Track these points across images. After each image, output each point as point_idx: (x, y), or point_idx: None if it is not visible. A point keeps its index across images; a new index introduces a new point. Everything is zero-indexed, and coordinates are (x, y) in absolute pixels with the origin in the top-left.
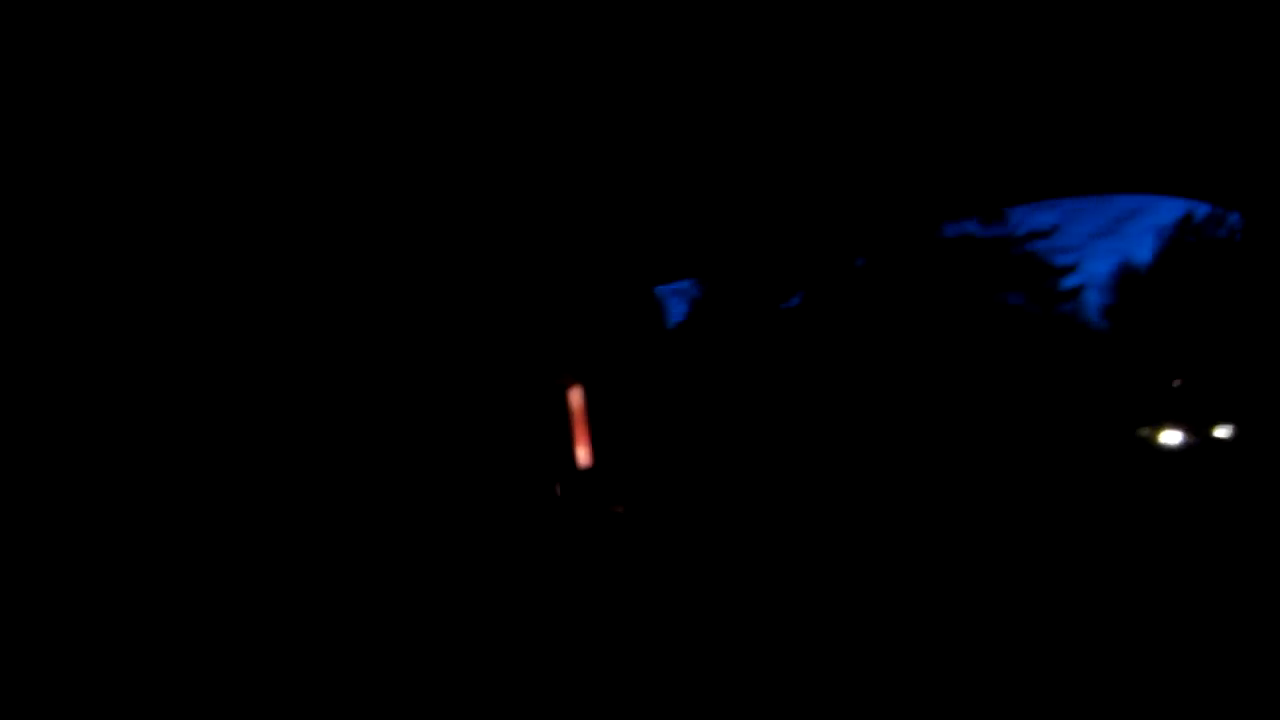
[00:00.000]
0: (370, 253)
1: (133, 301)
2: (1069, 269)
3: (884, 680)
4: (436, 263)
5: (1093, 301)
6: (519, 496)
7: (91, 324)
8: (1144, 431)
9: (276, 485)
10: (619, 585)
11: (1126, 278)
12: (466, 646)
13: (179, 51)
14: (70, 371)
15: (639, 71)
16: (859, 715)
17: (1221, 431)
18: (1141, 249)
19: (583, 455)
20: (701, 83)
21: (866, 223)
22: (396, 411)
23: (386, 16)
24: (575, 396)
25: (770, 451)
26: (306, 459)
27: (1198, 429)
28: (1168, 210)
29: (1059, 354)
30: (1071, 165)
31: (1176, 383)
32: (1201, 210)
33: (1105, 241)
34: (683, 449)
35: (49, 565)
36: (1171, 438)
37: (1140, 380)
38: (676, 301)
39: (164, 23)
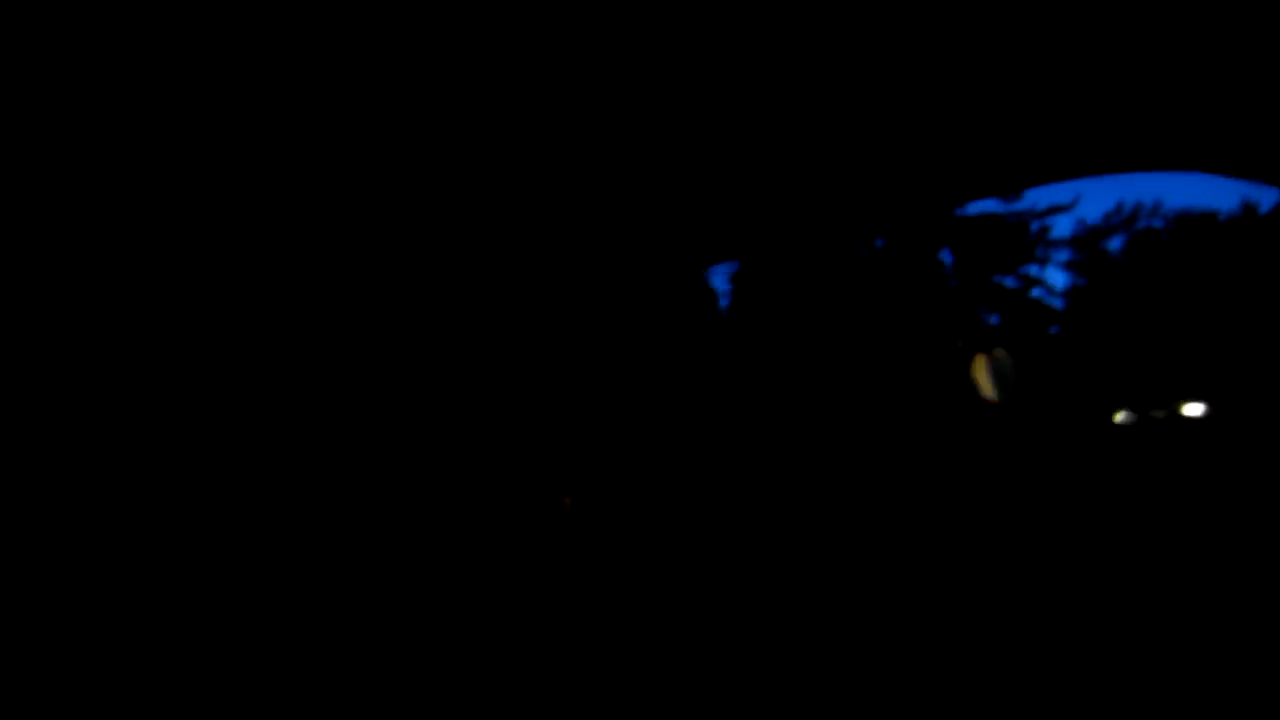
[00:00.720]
0: (375, 252)
1: (132, 302)
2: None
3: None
4: (444, 263)
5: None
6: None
7: (91, 324)
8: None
9: (274, 485)
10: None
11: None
12: (454, 644)
13: (179, 51)
14: (70, 372)
15: (639, 62)
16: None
17: (1191, 409)
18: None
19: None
20: (705, 73)
21: (885, 204)
22: (386, 410)
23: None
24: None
25: (791, 432)
26: (302, 460)
27: (1162, 407)
28: (1190, 188)
29: (1099, 325)
30: (1087, 144)
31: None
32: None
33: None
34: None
35: (49, 565)
36: (1127, 417)
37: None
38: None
39: (164, 22)
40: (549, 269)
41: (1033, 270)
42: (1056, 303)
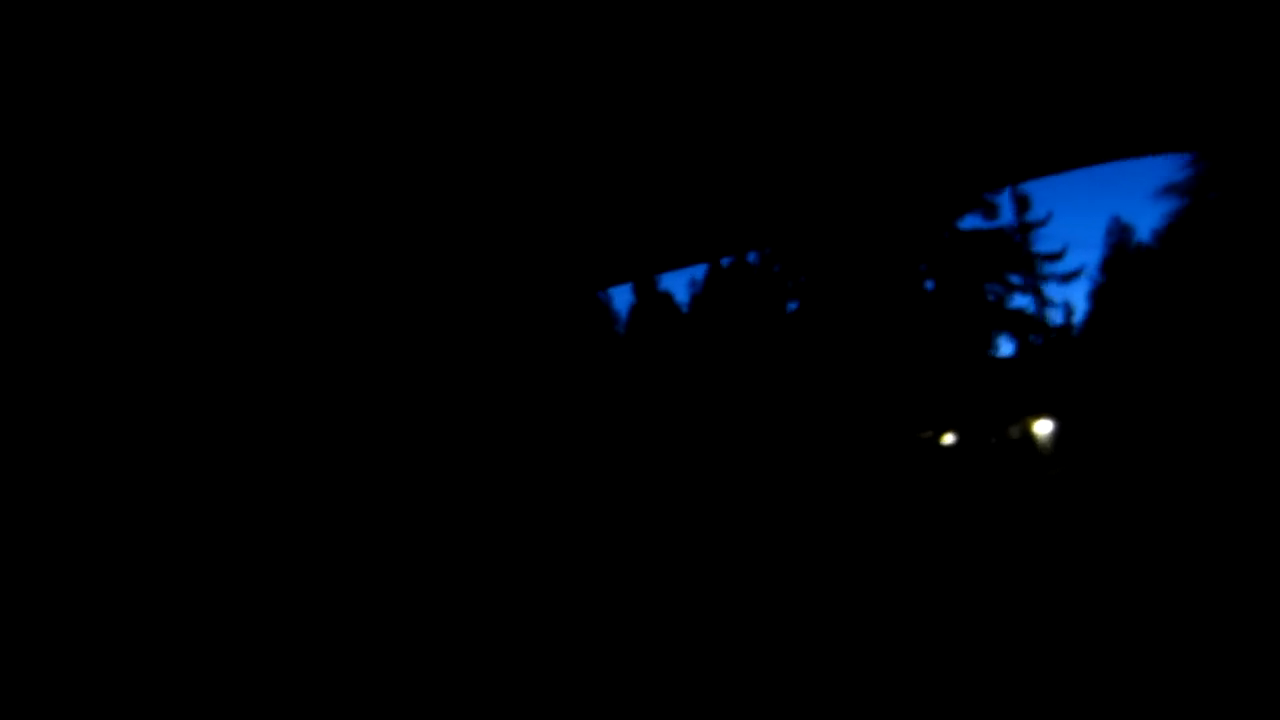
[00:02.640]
0: (376, 252)
1: (133, 301)
2: (1060, 254)
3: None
4: (444, 261)
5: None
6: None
7: (92, 324)
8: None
9: (278, 481)
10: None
11: (1119, 257)
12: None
13: (178, 51)
14: (69, 371)
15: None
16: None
17: (1041, 427)
18: (1140, 222)
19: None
20: (693, 76)
21: (875, 222)
22: (393, 408)
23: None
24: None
25: (770, 447)
26: (304, 458)
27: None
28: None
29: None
30: (1057, 139)
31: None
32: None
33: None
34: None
35: (49, 565)
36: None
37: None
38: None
39: (164, 22)
40: (568, 265)
41: (1020, 282)
42: (1056, 314)
